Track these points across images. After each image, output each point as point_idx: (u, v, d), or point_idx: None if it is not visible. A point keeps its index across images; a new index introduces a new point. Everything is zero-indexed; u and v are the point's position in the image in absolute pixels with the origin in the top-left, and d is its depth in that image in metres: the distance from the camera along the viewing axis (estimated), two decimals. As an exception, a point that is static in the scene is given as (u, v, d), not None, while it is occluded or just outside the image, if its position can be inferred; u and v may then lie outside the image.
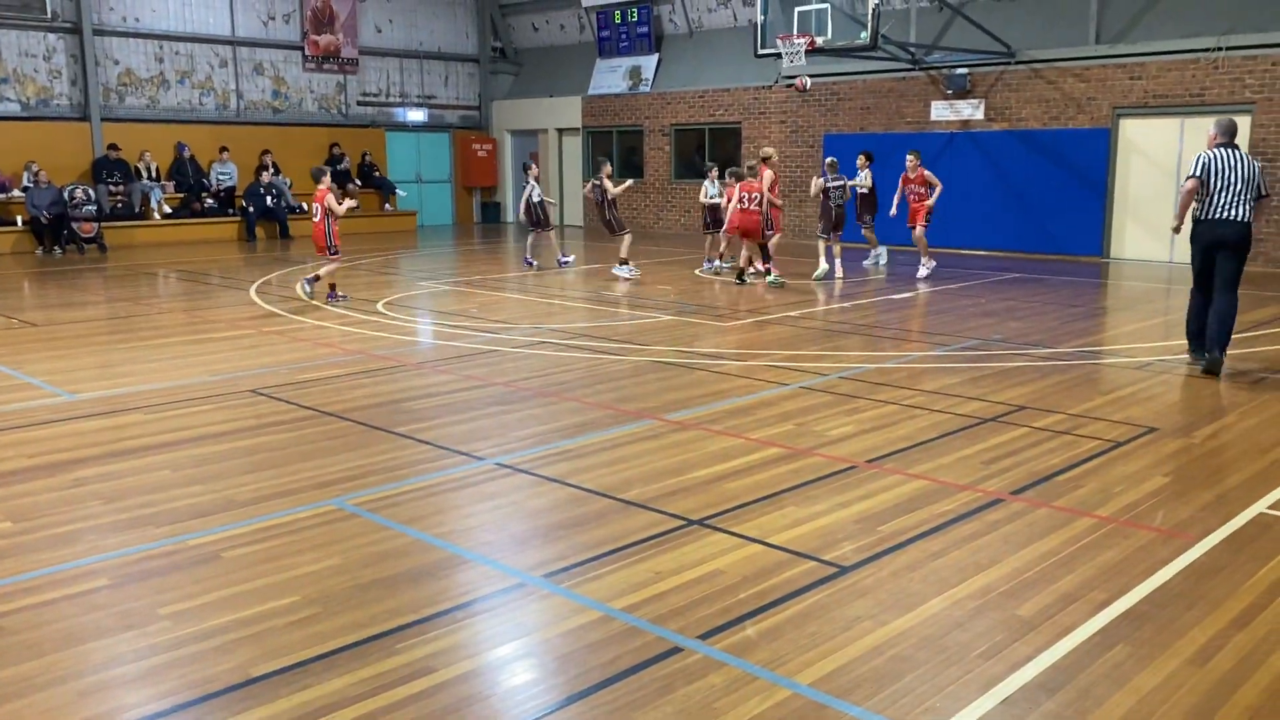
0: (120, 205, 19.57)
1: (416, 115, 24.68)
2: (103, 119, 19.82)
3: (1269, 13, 14.81)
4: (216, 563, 4.37)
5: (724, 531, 4.69)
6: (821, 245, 14.38)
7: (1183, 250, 15.29)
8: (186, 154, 20.63)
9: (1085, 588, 4.08)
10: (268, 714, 3.19)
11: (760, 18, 16.67)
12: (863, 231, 15.41)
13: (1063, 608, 3.90)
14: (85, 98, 19.72)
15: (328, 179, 12.16)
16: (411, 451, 6.02)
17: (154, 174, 20.19)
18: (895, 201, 14.46)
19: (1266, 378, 7.89)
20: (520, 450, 6.03)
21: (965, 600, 3.97)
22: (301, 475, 5.55)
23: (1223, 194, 7.96)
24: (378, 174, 23.42)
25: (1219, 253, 8.03)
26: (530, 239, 15.77)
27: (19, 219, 18.25)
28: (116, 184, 19.50)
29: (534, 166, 15.90)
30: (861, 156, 15.11)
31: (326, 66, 23.07)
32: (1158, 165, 16.01)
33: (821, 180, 14.15)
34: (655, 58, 22.81)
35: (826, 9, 15.68)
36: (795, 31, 15.81)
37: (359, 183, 23.06)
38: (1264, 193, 8.06)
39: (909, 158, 14.20)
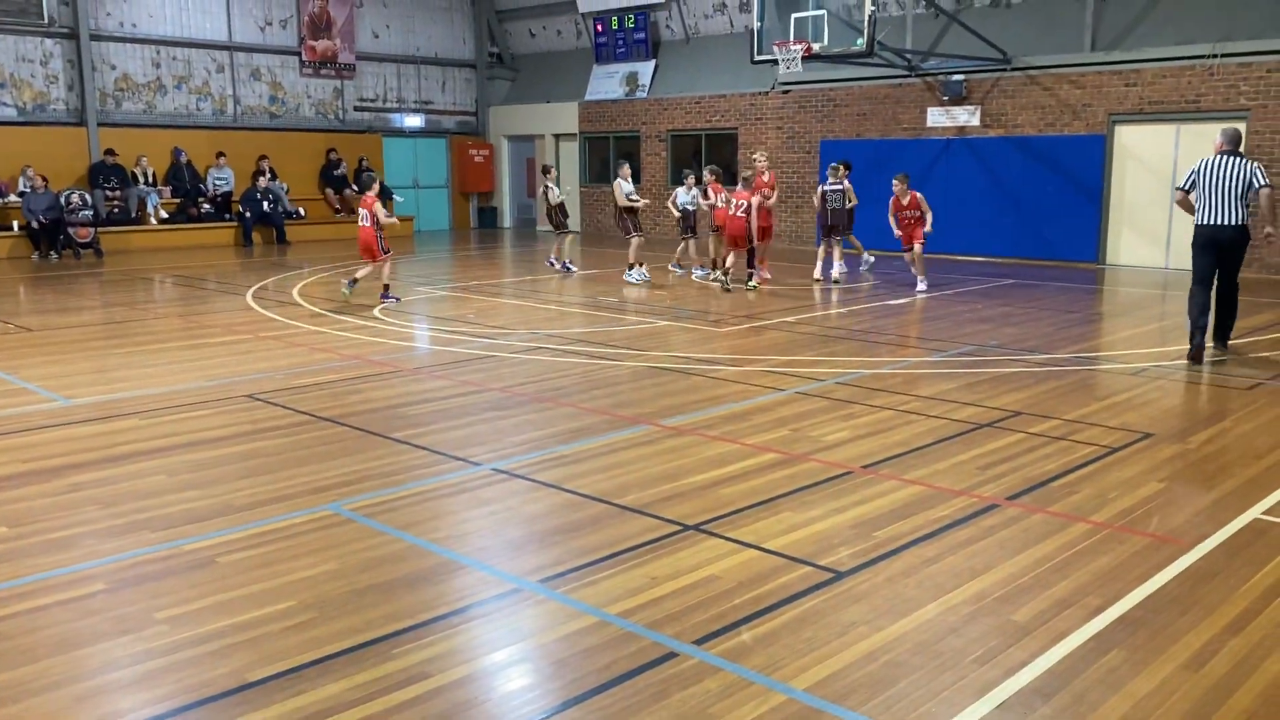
0: (117, 210, 19.56)
1: (413, 121, 24.70)
2: (99, 124, 19.82)
3: (1264, 20, 14.87)
4: (212, 568, 4.37)
5: (720, 537, 4.69)
6: (821, 249, 14.65)
7: (1178, 257, 15.65)
8: (183, 159, 20.62)
9: (1080, 593, 4.09)
10: (264, 719, 3.19)
11: (757, 24, 16.72)
12: (848, 240, 15.30)
13: (1058, 613, 3.91)
14: (82, 103, 19.72)
15: (376, 187, 12.56)
16: (408, 457, 6.02)
17: (150, 179, 20.18)
18: (895, 227, 13.67)
19: (1261, 383, 7.91)
20: (516, 455, 6.03)
21: (960, 605, 3.97)
22: (297, 480, 5.55)
23: (1213, 201, 8.55)
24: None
25: (1217, 253, 8.65)
26: (557, 244, 15.82)
27: (15, 224, 18.25)
28: (113, 189, 19.50)
29: (552, 169, 16.04)
30: (841, 167, 14.65)
31: (324, 72, 23.09)
32: (1153, 172, 16.05)
33: (823, 185, 14.37)
34: (652, 63, 22.84)
35: (823, 15, 15.72)
36: (792, 38, 15.85)
37: (356, 188, 23.06)
38: (1261, 184, 8.37)
39: (895, 183, 13.30)
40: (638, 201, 14.80)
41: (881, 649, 3.62)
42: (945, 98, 17.84)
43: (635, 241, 14.46)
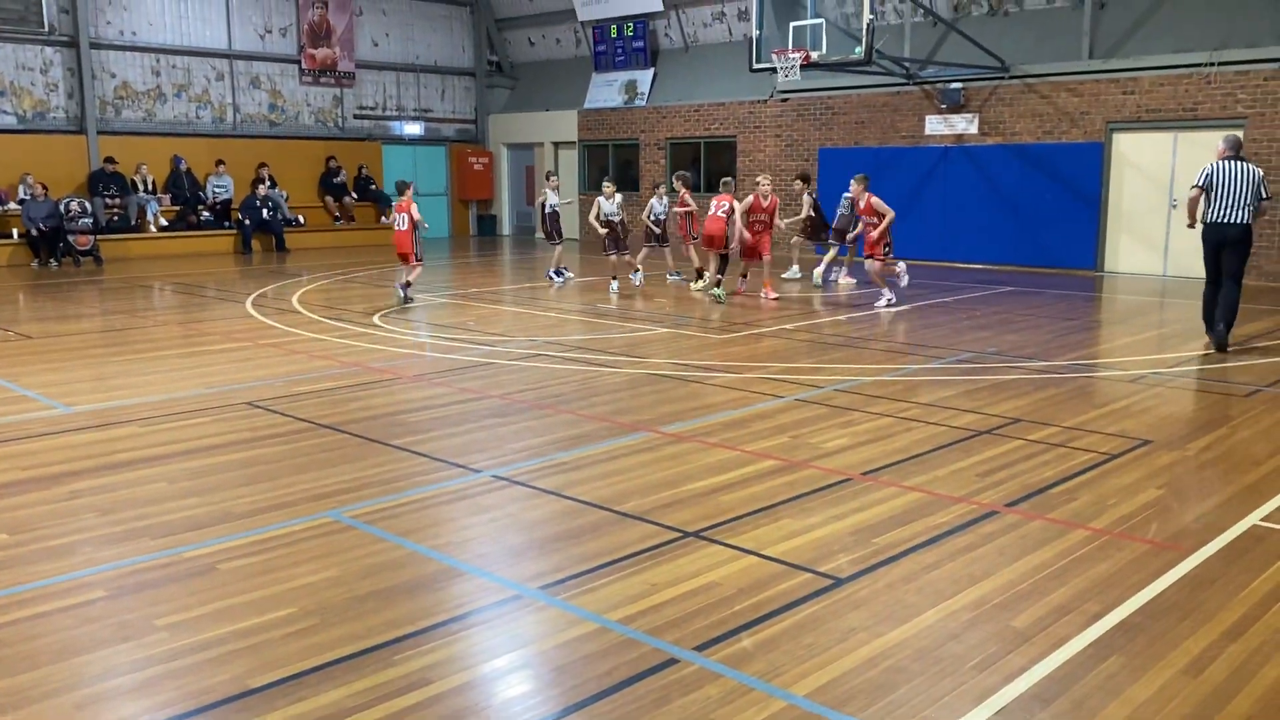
0: (116, 218, 19.58)
1: (413, 128, 24.75)
2: (99, 132, 19.85)
3: (1261, 28, 14.92)
4: (212, 574, 4.37)
5: (720, 543, 4.70)
6: (830, 254, 15.05)
7: (1176, 264, 15.74)
8: (183, 167, 20.64)
9: (1079, 599, 4.09)
10: (264, 726, 3.19)
11: (755, 32, 16.75)
12: (827, 246, 15.30)
13: (1057, 619, 3.91)
14: (82, 111, 19.75)
15: (411, 191, 12.88)
16: (408, 464, 6.02)
17: (150, 187, 20.19)
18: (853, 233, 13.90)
19: (1260, 390, 7.93)
20: (516, 462, 6.03)
21: (960, 612, 3.98)
22: (297, 487, 5.55)
23: (1224, 201, 9.26)
24: (374, 187, 23.45)
25: (1224, 250, 9.37)
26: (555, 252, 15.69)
27: (15, 232, 18.26)
28: (113, 197, 19.52)
29: (554, 177, 16.08)
30: (798, 181, 15.21)
31: (323, 80, 23.13)
32: (1151, 179, 16.09)
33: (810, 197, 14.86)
34: (651, 72, 22.90)
35: (821, 24, 15.76)
36: (790, 46, 15.89)
37: (355, 195, 23.12)
38: (1265, 196, 9.28)
39: (853, 184, 13.03)
40: (596, 224, 14.35)
41: (881, 655, 3.63)
42: (943, 106, 17.88)
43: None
